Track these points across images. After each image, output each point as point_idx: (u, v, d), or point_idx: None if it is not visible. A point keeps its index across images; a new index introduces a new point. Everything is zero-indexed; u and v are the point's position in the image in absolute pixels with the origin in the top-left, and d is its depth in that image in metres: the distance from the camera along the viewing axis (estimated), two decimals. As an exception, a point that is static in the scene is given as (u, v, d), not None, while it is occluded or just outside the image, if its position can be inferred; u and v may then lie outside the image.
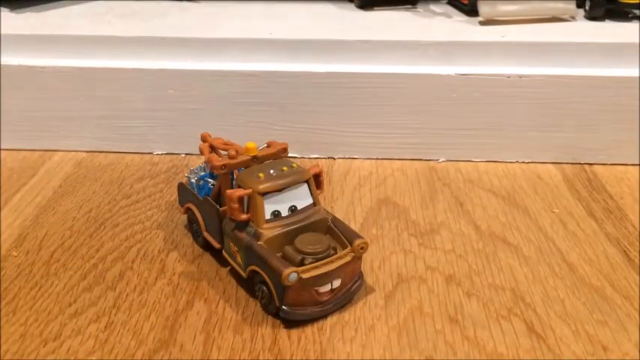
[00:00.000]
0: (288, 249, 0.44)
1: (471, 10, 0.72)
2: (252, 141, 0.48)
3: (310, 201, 0.47)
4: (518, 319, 0.44)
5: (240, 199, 0.45)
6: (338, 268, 0.43)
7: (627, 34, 0.66)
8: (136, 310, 0.45)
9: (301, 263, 0.43)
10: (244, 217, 0.45)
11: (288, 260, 0.43)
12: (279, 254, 0.44)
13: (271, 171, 0.46)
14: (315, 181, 0.47)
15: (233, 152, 0.47)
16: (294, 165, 0.47)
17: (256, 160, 0.48)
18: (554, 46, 0.64)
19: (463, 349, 0.42)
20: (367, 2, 0.76)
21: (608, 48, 0.64)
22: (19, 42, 0.66)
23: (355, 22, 0.71)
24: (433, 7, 0.77)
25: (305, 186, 0.46)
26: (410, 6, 0.77)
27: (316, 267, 0.43)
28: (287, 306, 0.43)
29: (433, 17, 0.72)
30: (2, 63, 0.65)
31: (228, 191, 0.45)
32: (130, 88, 0.66)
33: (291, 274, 0.41)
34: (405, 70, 0.64)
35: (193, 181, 0.52)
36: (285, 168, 0.46)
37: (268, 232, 0.44)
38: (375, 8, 0.76)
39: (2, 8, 0.75)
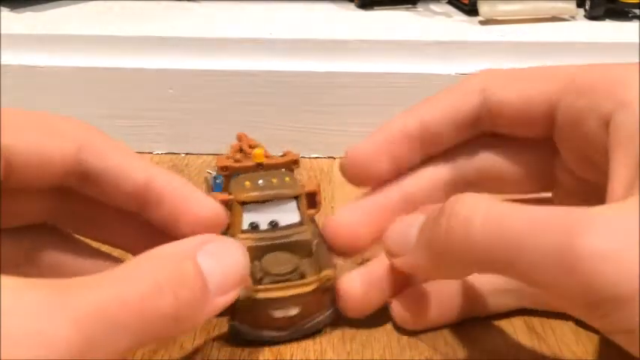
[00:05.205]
0: (255, 264, 0.41)
1: (471, 10, 0.72)
2: (254, 141, 0.48)
3: (297, 219, 0.43)
4: (518, 319, 0.44)
5: (223, 204, 0.41)
6: (294, 296, 0.40)
7: (627, 34, 0.66)
8: (136, 310, 0.45)
9: (260, 282, 0.40)
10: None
11: (250, 276, 0.40)
12: None
13: (260, 181, 0.43)
14: (312, 200, 0.44)
15: (238, 156, 0.47)
16: (287, 178, 0.43)
17: (262, 167, 0.45)
18: (554, 46, 0.64)
19: (463, 349, 0.42)
20: (367, 2, 0.76)
21: (608, 48, 0.64)
22: (19, 42, 0.66)
23: (355, 22, 0.71)
24: (433, 6, 0.77)
25: (293, 202, 0.42)
26: (410, 6, 0.77)
27: (269, 289, 0.40)
28: (238, 322, 0.41)
29: (433, 17, 0.72)
30: (2, 63, 0.65)
31: (210, 194, 0.43)
32: (130, 88, 0.66)
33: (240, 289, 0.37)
34: (405, 70, 0.64)
35: (210, 178, 0.51)
36: (274, 180, 0.43)
37: (241, 242, 0.39)
38: (375, 8, 0.76)
39: (2, 8, 0.75)
